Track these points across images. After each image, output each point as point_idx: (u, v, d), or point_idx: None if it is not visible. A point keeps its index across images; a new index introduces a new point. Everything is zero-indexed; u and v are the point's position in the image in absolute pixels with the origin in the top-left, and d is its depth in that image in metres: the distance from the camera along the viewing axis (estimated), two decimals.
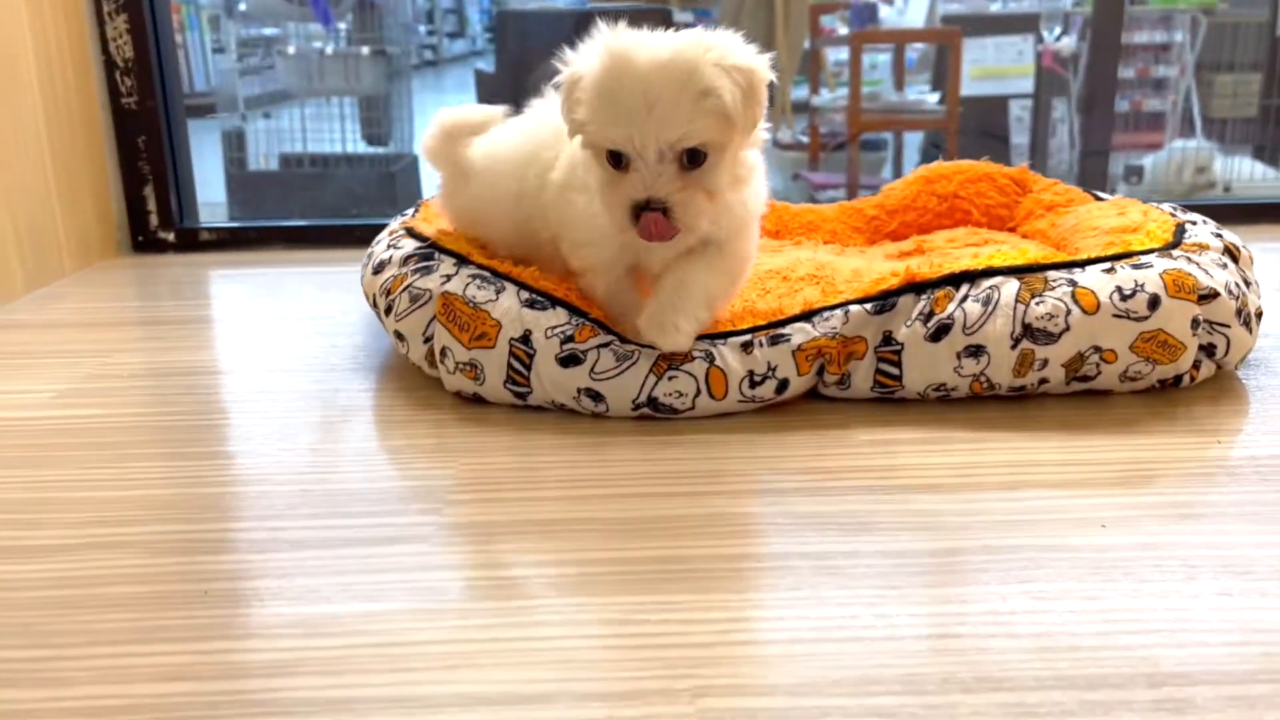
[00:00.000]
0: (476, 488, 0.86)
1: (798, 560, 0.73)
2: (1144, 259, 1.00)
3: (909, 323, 0.98)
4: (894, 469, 0.88)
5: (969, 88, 3.19)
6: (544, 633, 0.66)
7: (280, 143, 2.80)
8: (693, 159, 0.89)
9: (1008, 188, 1.45)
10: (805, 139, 3.55)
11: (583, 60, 0.92)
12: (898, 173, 3.31)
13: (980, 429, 0.95)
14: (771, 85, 0.92)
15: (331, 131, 2.81)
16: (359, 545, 0.77)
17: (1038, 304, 0.97)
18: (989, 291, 0.98)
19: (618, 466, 0.89)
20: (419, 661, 0.63)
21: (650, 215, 0.89)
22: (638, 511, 0.81)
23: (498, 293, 1.02)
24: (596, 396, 0.98)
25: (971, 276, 0.99)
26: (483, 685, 0.60)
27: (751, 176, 0.98)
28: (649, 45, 0.89)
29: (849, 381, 1.00)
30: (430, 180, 1.28)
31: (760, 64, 0.91)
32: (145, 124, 1.75)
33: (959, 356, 0.97)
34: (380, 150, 2.88)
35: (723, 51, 0.89)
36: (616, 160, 0.91)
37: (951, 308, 0.98)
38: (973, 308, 0.97)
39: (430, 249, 1.12)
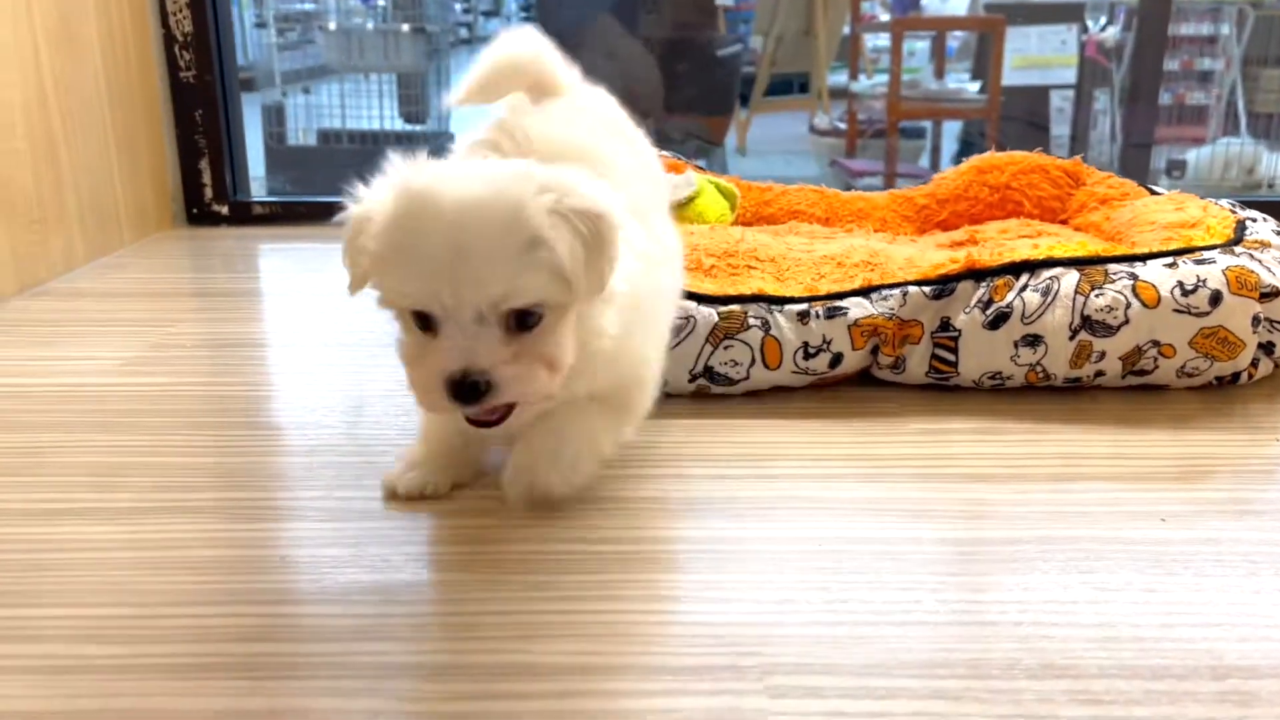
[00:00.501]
0: None
1: (857, 545, 0.74)
2: (1206, 254, 1.00)
3: (968, 309, 0.99)
4: (948, 458, 0.89)
5: (1010, 77, 3.15)
6: (611, 607, 0.67)
7: (319, 118, 2.82)
8: (522, 321, 0.69)
9: (1060, 180, 1.44)
10: (843, 125, 3.54)
11: (373, 197, 0.73)
12: (935, 161, 3.28)
13: (1034, 420, 0.96)
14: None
15: (370, 108, 2.82)
16: (427, 517, 0.79)
17: (1098, 296, 0.97)
18: (1049, 282, 0.98)
19: (674, 448, 0.91)
20: (491, 630, 0.65)
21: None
22: (695, 491, 0.83)
23: None
24: None
25: (1032, 266, 1.00)
26: (554, 656, 0.62)
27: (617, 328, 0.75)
28: (459, 182, 0.70)
29: (904, 365, 1.01)
30: None
31: (609, 208, 0.70)
32: (202, 97, 1.78)
33: (1016, 345, 0.98)
34: (418, 128, 2.90)
35: (559, 192, 0.69)
36: (425, 322, 0.70)
37: (1011, 296, 0.98)
38: (1032, 297, 0.98)
39: None
